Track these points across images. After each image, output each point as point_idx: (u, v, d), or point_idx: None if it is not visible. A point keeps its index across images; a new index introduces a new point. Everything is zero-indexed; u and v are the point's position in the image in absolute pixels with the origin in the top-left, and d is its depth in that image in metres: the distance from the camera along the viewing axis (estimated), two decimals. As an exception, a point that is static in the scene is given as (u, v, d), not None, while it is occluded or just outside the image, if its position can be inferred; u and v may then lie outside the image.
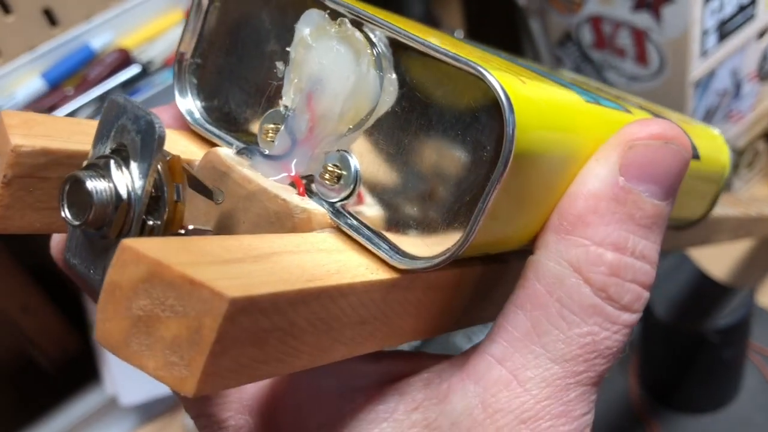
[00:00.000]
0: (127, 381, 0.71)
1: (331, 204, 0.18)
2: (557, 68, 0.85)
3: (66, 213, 0.16)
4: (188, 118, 0.21)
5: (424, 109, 0.17)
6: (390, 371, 0.19)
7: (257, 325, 0.14)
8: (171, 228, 0.17)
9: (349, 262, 0.17)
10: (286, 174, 0.19)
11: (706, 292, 0.71)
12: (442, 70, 0.17)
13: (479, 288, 0.20)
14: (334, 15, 0.18)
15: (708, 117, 0.82)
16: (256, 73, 0.20)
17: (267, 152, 0.19)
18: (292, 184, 0.19)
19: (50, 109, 0.57)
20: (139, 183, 0.15)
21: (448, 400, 0.18)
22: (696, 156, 0.24)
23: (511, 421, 0.17)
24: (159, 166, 0.16)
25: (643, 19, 0.73)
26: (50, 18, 0.60)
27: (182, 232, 0.17)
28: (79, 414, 0.73)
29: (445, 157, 0.17)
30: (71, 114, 0.58)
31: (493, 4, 0.88)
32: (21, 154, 0.17)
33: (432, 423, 0.18)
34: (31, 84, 0.59)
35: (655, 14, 0.72)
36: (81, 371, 0.75)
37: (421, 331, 0.19)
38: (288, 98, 0.19)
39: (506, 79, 0.16)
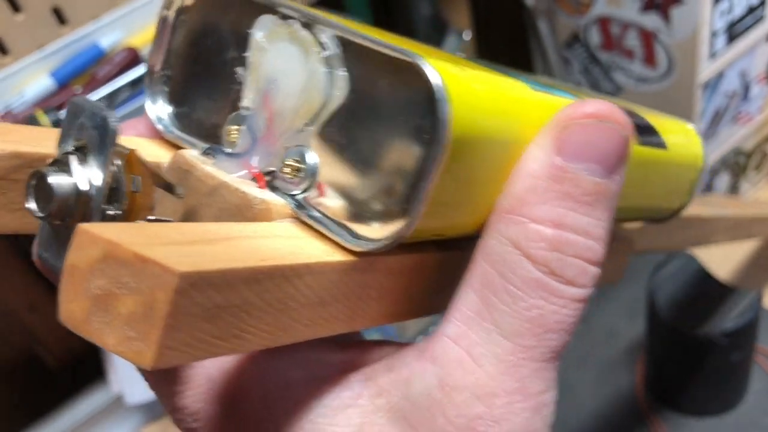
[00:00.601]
0: (132, 380, 0.71)
1: (293, 197, 0.19)
2: (554, 72, 0.84)
3: (32, 205, 0.17)
4: (159, 125, 0.22)
5: (373, 102, 0.18)
6: (355, 359, 0.20)
7: (211, 301, 0.15)
8: (131, 217, 0.18)
9: (306, 246, 0.18)
10: (247, 170, 0.20)
11: (712, 294, 0.71)
12: (384, 63, 0.18)
13: (441, 275, 0.21)
14: (286, 19, 0.19)
15: (716, 119, 0.82)
16: (220, 80, 0.21)
17: (229, 151, 0.20)
18: (254, 180, 0.20)
19: (59, 108, 0.57)
20: (97, 175, 0.17)
21: (409, 383, 0.18)
22: (661, 145, 0.26)
23: (468, 397, 0.18)
24: (117, 159, 0.17)
25: (651, 21, 0.73)
26: (59, 17, 0.60)
27: (142, 221, 0.18)
28: (84, 413, 0.74)
29: (394, 145, 0.18)
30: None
31: (500, 4, 0.88)
32: None
33: (395, 406, 0.18)
34: (40, 83, 0.59)
35: (664, 15, 0.72)
36: (87, 370, 0.75)
37: (386, 315, 0.20)
38: (248, 99, 0.20)
39: (440, 65, 0.17)
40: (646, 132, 0.25)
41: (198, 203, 0.20)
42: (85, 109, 0.17)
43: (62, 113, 0.56)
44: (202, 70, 0.21)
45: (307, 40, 0.19)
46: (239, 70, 0.20)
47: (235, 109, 0.21)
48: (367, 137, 0.18)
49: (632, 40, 0.77)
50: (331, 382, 0.19)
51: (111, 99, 0.60)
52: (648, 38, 0.75)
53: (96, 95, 0.59)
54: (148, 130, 0.23)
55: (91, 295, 0.14)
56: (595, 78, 0.84)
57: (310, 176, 0.19)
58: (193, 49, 0.22)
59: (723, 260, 0.72)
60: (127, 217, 0.18)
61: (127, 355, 0.14)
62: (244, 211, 0.19)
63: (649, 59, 0.77)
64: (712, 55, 0.74)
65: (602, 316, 0.86)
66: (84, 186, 0.17)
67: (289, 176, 0.19)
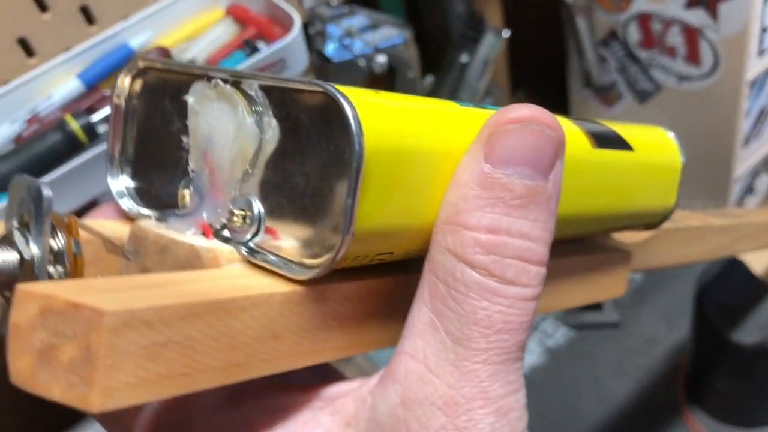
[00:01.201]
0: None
1: (245, 244, 0.20)
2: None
3: None
4: (123, 207, 0.24)
5: (301, 138, 0.19)
6: (324, 397, 0.20)
7: (147, 339, 0.15)
8: (74, 277, 0.19)
9: (252, 282, 0.18)
10: (197, 227, 0.21)
11: (761, 301, 0.69)
12: (303, 99, 0.19)
13: (406, 299, 0.21)
14: (212, 80, 0.21)
15: (761, 118, 0.79)
16: (171, 151, 0.22)
17: (179, 212, 0.21)
18: (203, 233, 0.21)
19: (88, 111, 0.54)
20: (37, 242, 0.18)
21: (374, 407, 0.19)
22: (625, 146, 0.27)
23: (429, 409, 0.18)
24: (56, 225, 0.18)
25: (697, 17, 0.70)
26: (87, 16, 0.57)
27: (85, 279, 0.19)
28: None
29: (327, 174, 0.18)
30: (108, 117, 0.56)
31: (537, 2, 0.85)
32: None
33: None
34: (68, 85, 0.56)
35: (711, 11, 0.69)
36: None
37: (356, 344, 0.20)
38: (192, 162, 0.21)
39: (350, 91, 0.18)
40: (603, 137, 0.26)
41: (152, 264, 0.21)
42: (23, 185, 0.18)
43: (93, 117, 0.53)
44: (155, 146, 0.23)
45: (231, 95, 0.20)
46: (184, 138, 0.22)
47: (186, 175, 0.22)
48: (300, 172, 0.19)
49: (675, 37, 0.74)
50: (300, 423, 0.19)
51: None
52: (692, 35, 0.72)
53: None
54: (117, 213, 0.24)
55: (34, 350, 0.15)
56: (633, 76, 0.81)
57: (256, 222, 0.20)
58: (144, 128, 0.23)
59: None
60: (71, 277, 0.19)
61: (72, 401, 0.15)
62: (193, 262, 0.20)
63: (693, 56, 0.74)
64: (761, 51, 0.71)
65: (639, 323, 0.83)
66: (27, 255, 0.18)
67: (238, 225, 0.20)
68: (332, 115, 0.18)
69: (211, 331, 0.16)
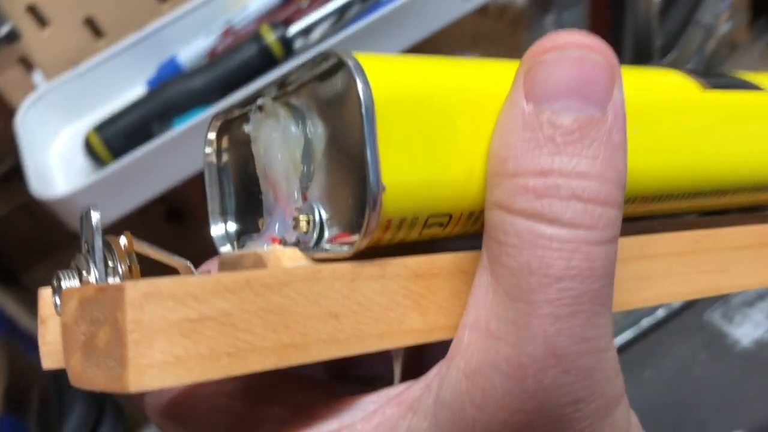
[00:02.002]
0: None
1: (316, 247, 0.20)
2: None
3: (56, 302, 0.20)
4: (221, 251, 0.24)
5: (337, 121, 0.18)
6: (391, 393, 0.19)
7: (177, 314, 0.15)
8: None
9: (299, 264, 0.19)
10: (270, 242, 0.21)
11: None
12: (328, 80, 0.19)
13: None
14: (257, 103, 0.21)
15: None
16: (254, 190, 0.22)
17: (254, 236, 0.22)
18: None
19: (285, 23, 0.50)
20: (94, 261, 0.20)
21: (439, 388, 0.18)
22: (751, 87, 0.24)
23: (493, 375, 0.17)
24: (110, 242, 0.20)
25: None
26: None
27: None
28: None
29: (357, 144, 0.18)
30: (304, 30, 0.51)
31: None
32: None
33: (428, 414, 0.18)
34: (264, -6, 0.52)
35: None
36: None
37: (440, 327, 0.19)
38: (261, 186, 0.22)
39: (365, 55, 0.18)
40: (718, 80, 0.23)
41: None
42: (82, 213, 0.20)
43: (290, 30, 0.49)
44: (244, 189, 0.23)
45: (274, 108, 0.20)
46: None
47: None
48: (344, 157, 0.19)
49: None
50: (362, 410, 0.18)
51: (341, 14, 0.52)
52: None
53: (323, 11, 0.52)
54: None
55: (80, 344, 0.16)
56: None
57: (319, 224, 0.19)
58: (235, 179, 0.24)
59: None
60: None
61: (113, 386, 0.15)
62: (258, 266, 0.20)
63: None
64: None
65: None
66: (89, 275, 0.19)
67: (305, 231, 0.20)
68: (345, 79, 0.18)
69: (250, 306, 0.16)
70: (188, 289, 0.15)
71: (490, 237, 0.17)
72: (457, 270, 0.19)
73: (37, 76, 0.58)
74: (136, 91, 0.57)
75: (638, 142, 0.20)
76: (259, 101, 0.21)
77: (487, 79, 0.19)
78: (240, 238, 0.24)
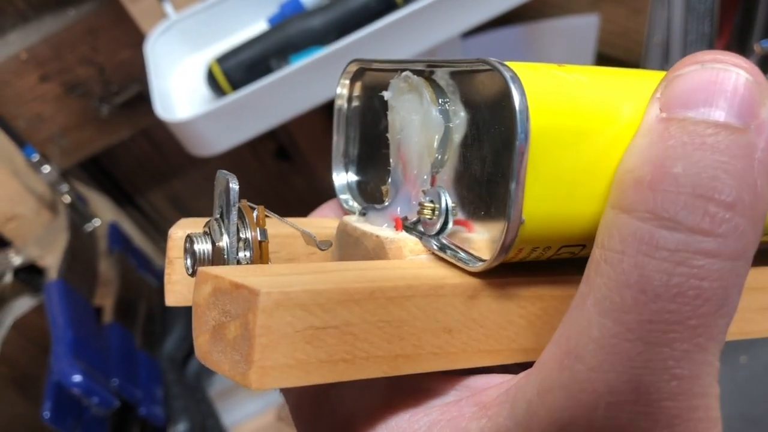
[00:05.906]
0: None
1: (436, 238, 0.20)
2: None
3: (187, 263, 0.20)
4: (341, 200, 0.25)
5: (482, 122, 0.18)
6: (471, 386, 0.18)
7: (304, 322, 0.15)
8: (259, 262, 0.20)
9: (426, 273, 0.18)
10: (391, 220, 0.21)
11: None
12: (483, 81, 0.18)
13: None
14: (403, 73, 0.21)
15: None
16: (381, 149, 0.23)
17: (377, 206, 0.22)
18: (395, 227, 0.21)
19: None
20: (228, 231, 0.20)
21: (515, 400, 0.16)
22: None
23: (560, 397, 0.15)
24: (245, 214, 0.20)
25: None
26: None
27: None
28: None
29: (499, 159, 0.18)
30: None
31: None
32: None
33: (501, 426, 0.16)
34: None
35: None
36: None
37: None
38: (391, 157, 0.22)
39: (524, 67, 0.17)
40: None
41: (348, 256, 0.22)
42: (221, 179, 0.20)
43: None
44: (370, 144, 0.24)
45: (419, 85, 0.20)
46: (387, 135, 0.22)
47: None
48: (480, 159, 0.18)
49: None
50: (441, 408, 0.17)
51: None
52: None
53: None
54: (337, 212, 0.25)
55: (209, 327, 0.16)
56: None
57: (443, 214, 0.19)
58: (362, 128, 0.24)
59: None
60: (255, 262, 0.20)
61: (237, 378, 0.16)
62: (379, 252, 0.20)
63: None
64: None
65: None
66: (220, 243, 0.20)
67: (428, 217, 0.20)
68: (502, 93, 0.17)
69: (372, 318, 0.16)
70: (317, 300, 0.16)
71: (596, 241, 0.16)
72: (555, 295, 0.19)
73: (168, 6, 0.61)
74: (258, 26, 0.59)
75: None
76: (406, 72, 0.20)
77: (633, 104, 0.18)
78: (363, 194, 0.24)
